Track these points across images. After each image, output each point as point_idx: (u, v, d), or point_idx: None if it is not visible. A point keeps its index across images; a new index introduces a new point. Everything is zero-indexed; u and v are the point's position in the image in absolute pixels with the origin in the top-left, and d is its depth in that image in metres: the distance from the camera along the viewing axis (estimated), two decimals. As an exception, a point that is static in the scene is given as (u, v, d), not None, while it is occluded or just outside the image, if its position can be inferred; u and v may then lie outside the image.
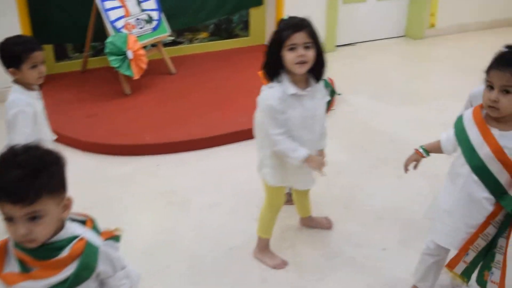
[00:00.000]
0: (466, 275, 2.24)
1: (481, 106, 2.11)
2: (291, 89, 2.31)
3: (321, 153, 2.63)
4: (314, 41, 2.29)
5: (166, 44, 5.64)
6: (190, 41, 5.92)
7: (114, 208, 3.25)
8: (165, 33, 5.16)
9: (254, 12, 6.03)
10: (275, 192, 2.64)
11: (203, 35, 5.98)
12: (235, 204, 3.29)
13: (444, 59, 6.19)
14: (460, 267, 2.21)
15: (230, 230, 3.05)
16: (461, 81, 5.37)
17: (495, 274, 2.18)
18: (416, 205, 3.23)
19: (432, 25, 6.85)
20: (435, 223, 2.30)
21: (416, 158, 2.41)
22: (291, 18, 2.36)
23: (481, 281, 2.22)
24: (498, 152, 2.03)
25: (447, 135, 2.26)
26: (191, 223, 3.12)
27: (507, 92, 1.99)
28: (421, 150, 2.40)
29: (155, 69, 5.20)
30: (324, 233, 3.03)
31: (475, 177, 2.10)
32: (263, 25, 6.10)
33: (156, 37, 5.07)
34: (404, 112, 4.65)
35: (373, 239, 2.98)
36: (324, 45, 2.38)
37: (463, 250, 2.17)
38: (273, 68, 2.34)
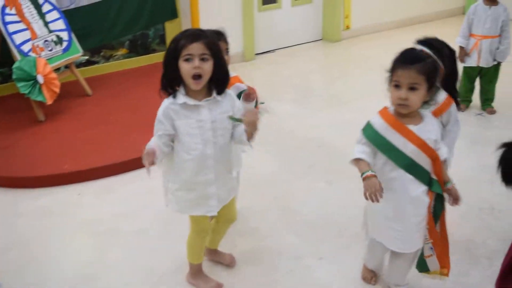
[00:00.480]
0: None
1: (386, 108, 2.21)
2: (182, 98, 2.19)
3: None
4: (213, 53, 2.15)
5: (80, 65, 5.41)
6: (108, 59, 5.70)
7: (32, 248, 3.00)
8: (78, 54, 4.94)
9: (169, 26, 5.90)
10: (195, 218, 2.48)
11: (122, 51, 5.78)
12: (163, 228, 3.14)
13: (362, 59, 6.32)
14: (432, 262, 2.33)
15: (161, 256, 2.90)
16: (378, 80, 5.49)
17: (425, 248, 2.29)
18: (349, 209, 3.21)
19: (348, 27, 6.99)
20: (383, 231, 2.31)
21: (375, 181, 2.11)
22: (190, 30, 2.25)
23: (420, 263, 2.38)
24: (422, 145, 2.12)
25: (361, 150, 2.19)
26: (120, 253, 2.94)
27: (414, 89, 2.07)
28: (371, 172, 2.13)
29: (70, 91, 4.96)
30: (261, 249, 2.94)
31: (409, 176, 2.14)
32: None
33: (68, 58, 4.83)
34: (329, 116, 4.67)
35: (310, 249, 2.92)
36: (234, 56, 2.32)
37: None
38: (170, 80, 2.21)
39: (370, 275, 2.61)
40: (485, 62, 4.49)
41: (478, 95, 4.74)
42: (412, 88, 2.08)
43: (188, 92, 2.21)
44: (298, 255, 2.88)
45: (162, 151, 2.23)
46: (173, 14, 5.85)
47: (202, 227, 2.52)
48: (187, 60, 2.12)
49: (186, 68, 2.12)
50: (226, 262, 2.82)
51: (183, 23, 5.89)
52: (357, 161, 2.18)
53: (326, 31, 6.94)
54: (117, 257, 2.90)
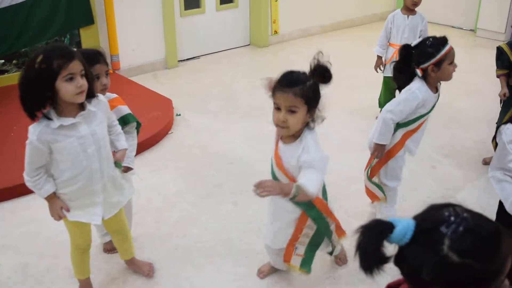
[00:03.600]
0: (305, 266, 2.50)
1: None
2: (56, 122, 2.10)
3: (122, 152, 2.51)
4: (86, 69, 2.11)
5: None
6: (21, 67, 5.34)
7: None
8: (-23, 64, 4.58)
9: (85, 32, 5.58)
10: (73, 230, 2.45)
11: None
12: (49, 261, 2.88)
13: (289, 66, 6.02)
14: (296, 260, 2.49)
15: (42, 295, 2.66)
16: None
17: (299, 248, 2.47)
18: (251, 234, 3.05)
19: (276, 32, 6.84)
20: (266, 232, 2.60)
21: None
22: (55, 46, 2.13)
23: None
24: (277, 163, 2.27)
25: None
26: (-4, 293, 2.68)
27: (293, 111, 2.13)
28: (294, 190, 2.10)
29: (-31, 105, 4.60)
30: (150, 281, 2.73)
31: None
32: (97, 45, 5.66)
33: (-34, 69, 4.47)
34: (246, 129, 4.48)
35: (205, 282, 2.73)
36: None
37: (289, 246, 2.46)
38: (39, 102, 2.08)
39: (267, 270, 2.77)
40: (403, 72, 4.42)
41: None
42: (291, 111, 2.13)
43: (60, 112, 2.12)
44: (192, 288, 2.69)
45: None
46: (88, 20, 5.52)
47: (77, 242, 2.49)
48: (69, 79, 2.04)
49: (69, 88, 2.05)
50: (144, 273, 2.78)
51: (100, 29, 5.58)
52: None
53: (253, 36, 6.77)
54: (-9, 299, 2.64)
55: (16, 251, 2.98)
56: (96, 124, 2.22)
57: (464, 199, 3.41)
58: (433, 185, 3.62)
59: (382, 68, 4.48)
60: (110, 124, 2.39)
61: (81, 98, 2.10)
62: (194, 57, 6.31)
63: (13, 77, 5.27)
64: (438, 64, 2.71)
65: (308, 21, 7.15)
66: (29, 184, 2.23)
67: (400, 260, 1.13)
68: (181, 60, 6.15)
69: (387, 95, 4.59)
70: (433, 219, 1.11)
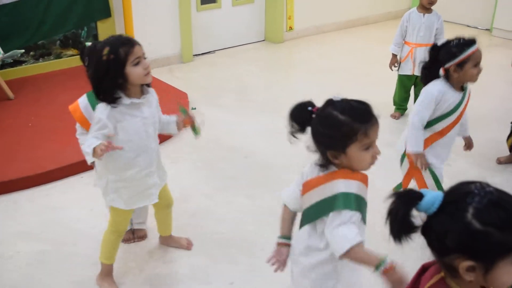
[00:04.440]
0: None
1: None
2: (127, 99, 2.30)
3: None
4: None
5: (7, 65, 5.11)
6: (37, 59, 5.40)
7: None
8: (-3, 55, 4.65)
9: (102, 25, 5.64)
10: (121, 216, 2.57)
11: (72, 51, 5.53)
12: (68, 249, 2.94)
13: (303, 62, 6.20)
14: None
15: (62, 279, 2.71)
16: (319, 83, 5.42)
17: None
18: (267, 227, 3.08)
19: (291, 28, 6.86)
20: None
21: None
22: (115, 37, 2.31)
23: None
24: None
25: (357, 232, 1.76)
26: (14, 281, 2.73)
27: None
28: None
29: (-12, 95, 4.68)
30: (169, 273, 2.78)
31: None
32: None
33: (-14, 59, 4.55)
34: (260, 123, 4.52)
35: (221, 272, 2.78)
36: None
37: None
38: (111, 89, 2.27)
39: None
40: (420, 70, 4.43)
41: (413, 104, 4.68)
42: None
43: (128, 95, 2.31)
44: (208, 279, 2.74)
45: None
46: (106, 13, 5.58)
47: (118, 227, 2.60)
48: (137, 63, 2.24)
49: (138, 71, 2.25)
50: (183, 246, 2.93)
51: (116, 22, 5.64)
52: (360, 248, 1.71)
53: (268, 32, 6.79)
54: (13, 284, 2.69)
55: (35, 238, 3.04)
56: (155, 106, 2.46)
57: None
58: (447, 183, 3.62)
59: (397, 66, 4.49)
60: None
61: (150, 78, 2.31)
62: (209, 52, 6.35)
63: (30, 69, 5.34)
64: (461, 65, 2.70)
65: (323, 18, 7.15)
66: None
67: (427, 229, 1.21)
68: (196, 55, 6.19)
69: (401, 94, 4.61)
70: (460, 191, 1.19)
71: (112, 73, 2.22)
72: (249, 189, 3.51)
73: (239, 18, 6.50)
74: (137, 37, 5.45)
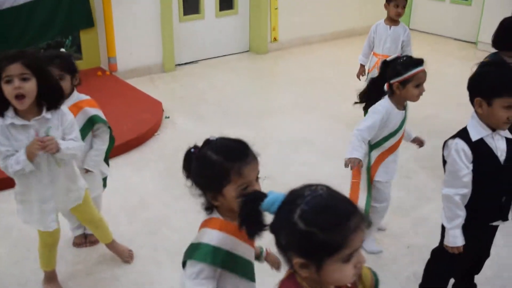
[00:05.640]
0: None
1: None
2: (9, 119, 2.22)
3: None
4: (34, 71, 2.17)
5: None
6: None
7: None
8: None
9: (85, 34, 5.75)
10: (39, 231, 2.57)
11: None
12: (21, 254, 3.02)
13: (286, 73, 6.28)
14: None
15: (15, 282, 2.79)
16: (300, 94, 5.49)
17: None
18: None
19: (275, 39, 6.94)
20: None
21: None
22: (10, 51, 2.22)
23: None
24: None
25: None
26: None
27: None
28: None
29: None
30: (113, 274, 2.85)
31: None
32: (96, 47, 5.83)
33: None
34: (230, 134, 4.56)
35: (164, 279, 2.83)
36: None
37: None
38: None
39: None
40: (387, 82, 4.49)
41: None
42: None
43: (18, 112, 2.23)
44: (153, 285, 2.80)
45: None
46: (88, 22, 5.70)
47: (45, 240, 2.61)
48: (8, 82, 2.14)
49: (8, 90, 2.15)
50: (123, 258, 2.95)
51: (99, 31, 5.75)
52: None
53: (253, 43, 6.87)
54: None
55: (-8, 241, 3.12)
56: (55, 127, 2.31)
57: (432, 210, 3.46)
58: (404, 195, 3.67)
59: (364, 75, 4.56)
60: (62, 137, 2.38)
61: (21, 105, 2.17)
62: (192, 62, 6.44)
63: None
64: (404, 83, 2.74)
65: (308, 29, 7.23)
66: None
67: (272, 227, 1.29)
68: (179, 64, 6.28)
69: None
70: (295, 193, 1.26)
71: None
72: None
73: (223, 29, 6.59)
74: (118, 45, 5.64)
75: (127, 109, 4.75)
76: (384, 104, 2.82)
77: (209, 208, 1.71)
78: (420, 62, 2.77)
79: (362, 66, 4.55)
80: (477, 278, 2.68)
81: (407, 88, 2.75)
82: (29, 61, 2.16)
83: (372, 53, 4.51)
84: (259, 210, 1.28)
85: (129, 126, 4.38)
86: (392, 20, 4.37)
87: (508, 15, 6.83)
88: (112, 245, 2.94)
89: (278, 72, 6.44)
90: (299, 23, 7.06)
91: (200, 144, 1.71)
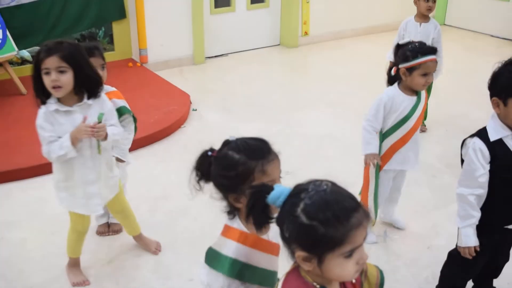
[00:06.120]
0: None
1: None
2: (54, 105, 2.34)
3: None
4: (71, 64, 2.26)
5: (24, 62, 5.37)
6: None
7: None
8: (12, 52, 4.90)
9: (117, 26, 5.84)
10: (75, 217, 2.65)
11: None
12: (46, 238, 3.11)
13: (316, 67, 6.26)
14: None
15: (38, 266, 2.89)
16: (329, 89, 5.46)
17: None
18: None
19: (306, 33, 6.91)
20: None
21: None
22: (50, 42, 2.32)
23: None
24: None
25: None
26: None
27: None
28: None
29: (2, 90, 4.92)
30: (133, 263, 2.92)
31: None
32: (128, 39, 5.92)
33: (1, 56, 4.79)
34: (256, 127, 4.56)
35: (183, 269, 2.88)
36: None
37: None
38: (41, 89, 2.32)
39: None
40: (417, 79, 4.41)
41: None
42: None
43: (60, 99, 2.35)
44: (170, 275, 2.85)
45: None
46: (121, 14, 5.78)
47: (76, 227, 2.70)
48: (46, 73, 2.25)
49: (46, 82, 2.27)
50: (150, 250, 3.01)
51: (131, 23, 5.83)
52: None
53: (283, 37, 6.86)
54: (-12, 268, 2.88)
55: (19, 226, 3.22)
56: (94, 114, 2.40)
57: (455, 211, 3.39)
58: (428, 195, 3.63)
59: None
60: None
61: (57, 93, 2.28)
62: (222, 55, 6.47)
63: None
64: (410, 70, 2.72)
65: (340, 24, 7.17)
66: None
67: (278, 220, 1.31)
68: (209, 57, 6.32)
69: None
70: (300, 187, 1.29)
71: (34, 74, 2.30)
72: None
73: (254, 22, 6.59)
74: (149, 37, 5.71)
75: (155, 101, 4.82)
76: (388, 90, 2.82)
77: (231, 211, 1.69)
78: (431, 50, 2.73)
79: (391, 63, 4.46)
80: (499, 283, 2.64)
81: (413, 75, 2.72)
82: (65, 53, 2.25)
83: (401, 50, 4.43)
84: (265, 202, 1.31)
85: (156, 118, 4.44)
86: (423, 16, 4.29)
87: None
88: (139, 237, 3.02)
89: (308, 66, 6.41)
90: (331, 17, 7.01)
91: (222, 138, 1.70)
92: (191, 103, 4.95)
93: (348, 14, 7.16)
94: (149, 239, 3.05)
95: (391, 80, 2.89)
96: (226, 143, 1.68)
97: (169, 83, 5.31)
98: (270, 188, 1.31)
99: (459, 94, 5.25)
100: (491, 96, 2.18)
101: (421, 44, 2.77)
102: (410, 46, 2.76)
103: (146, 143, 4.16)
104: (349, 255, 1.22)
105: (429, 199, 3.59)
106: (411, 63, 2.70)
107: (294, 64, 6.40)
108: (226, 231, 1.70)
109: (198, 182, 1.73)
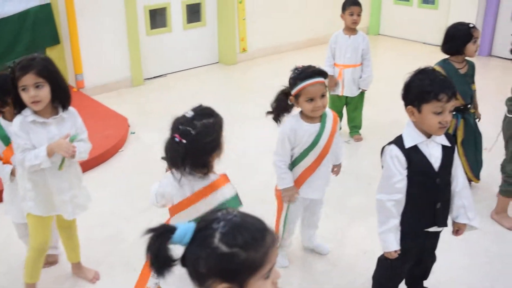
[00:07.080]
0: None
1: None
2: (31, 116, 2.45)
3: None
4: (47, 78, 2.39)
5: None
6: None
7: None
8: None
9: (51, 51, 5.75)
10: (39, 225, 2.65)
11: None
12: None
13: (254, 83, 6.32)
14: None
15: None
16: (261, 105, 5.48)
17: None
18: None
19: (244, 50, 6.99)
20: None
21: None
22: (23, 59, 2.43)
23: None
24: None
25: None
26: None
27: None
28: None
29: None
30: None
31: None
32: (63, 64, 5.83)
33: None
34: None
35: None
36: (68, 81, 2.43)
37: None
38: (18, 102, 2.44)
39: None
40: (349, 91, 4.51)
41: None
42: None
43: (36, 111, 2.46)
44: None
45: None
46: (54, 39, 5.69)
47: (36, 243, 2.66)
48: (23, 90, 2.37)
49: (25, 98, 2.39)
50: (88, 278, 2.98)
51: (65, 48, 5.75)
52: None
53: (222, 54, 6.92)
54: None
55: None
56: (66, 128, 2.54)
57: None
58: (364, 202, 3.71)
59: (338, 85, 4.50)
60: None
61: (37, 107, 2.41)
62: (161, 75, 6.47)
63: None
64: (296, 97, 2.63)
65: (277, 38, 7.29)
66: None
67: (184, 260, 1.25)
68: (148, 78, 6.30)
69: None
70: (207, 218, 1.25)
71: (14, 88, 2.41)
72: (161, 218, 3.58)
73: (191, 41, 6.63)
74: (85, 62, 5.65)
75: (92, 126, 4.70)
76: (289, 121, 2.70)
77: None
78: (311, 74, 2.57)
79: (331, 76, 4.39)
80: (430, 283, 2.73)
81: (300, 102, 2.60)
82: (40, 69, 2.37)
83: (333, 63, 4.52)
84: (166, 246, 1.24)
85: (93, 143, 4.36)
86: (350, 29, 4.42)
87: (473, 18, 6.97)
88: (78, 266, 3.00)
89: (247, 81, 6.48)
90: (267, 32, 7.12)
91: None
92: (129, 126, 4.91)
93: (285, 29, 7.29)
94: (87, 268, 3.02)
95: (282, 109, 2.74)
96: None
97: (106, 107, 5.26)
98: (172, 228, 1.24)
99: (393, 102, 5.34)
100: (406, 105, 2.28)
101: (303, 69, 2.62)
102: (294, 71, 2.65)
103: (83, 170, 4.08)
104: (268, 275, 1.22)
105: (365, 206, 3.67)
106: (294, 90, 2.60)
107: (233, 81, 6.46)
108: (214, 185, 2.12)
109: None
